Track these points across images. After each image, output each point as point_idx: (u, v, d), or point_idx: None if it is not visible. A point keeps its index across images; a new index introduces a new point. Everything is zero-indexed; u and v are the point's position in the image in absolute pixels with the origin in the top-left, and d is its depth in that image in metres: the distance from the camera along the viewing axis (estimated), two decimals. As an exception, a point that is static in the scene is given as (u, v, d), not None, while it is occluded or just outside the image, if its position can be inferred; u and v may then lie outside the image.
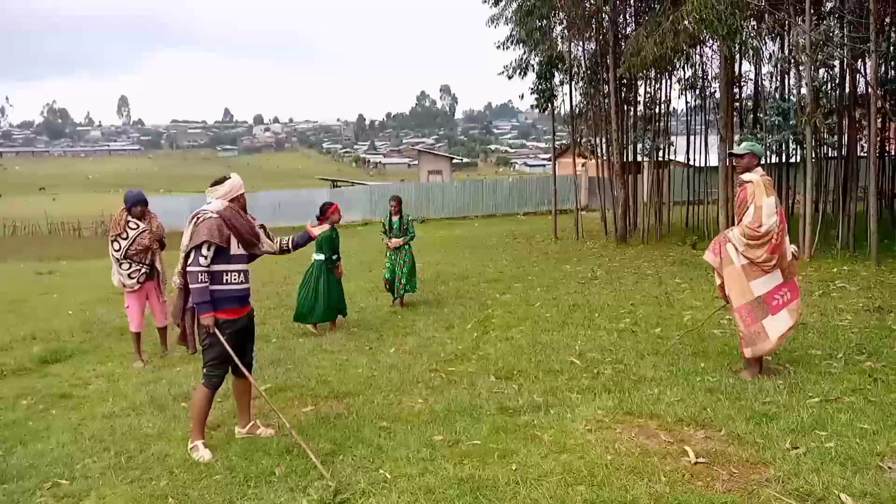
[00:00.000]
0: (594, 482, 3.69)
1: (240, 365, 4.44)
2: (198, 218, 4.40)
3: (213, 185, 4.55)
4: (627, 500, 3.47)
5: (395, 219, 9.38)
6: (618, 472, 3.80)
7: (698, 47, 15.59)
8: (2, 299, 12.00)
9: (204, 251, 4.30)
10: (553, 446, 4.23)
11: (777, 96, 14.62)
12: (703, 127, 18.55)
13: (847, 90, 14.09)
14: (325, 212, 7.53)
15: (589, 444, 4.23)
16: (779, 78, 15.45)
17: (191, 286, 4.35)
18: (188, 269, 4.34)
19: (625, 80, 16.93)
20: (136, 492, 3.98)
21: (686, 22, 11.20)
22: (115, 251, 6.85)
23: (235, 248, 4.44)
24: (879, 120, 13.73)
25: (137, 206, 6.87)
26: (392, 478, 3.89)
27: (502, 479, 3.79)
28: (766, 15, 12.60)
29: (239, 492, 3.88)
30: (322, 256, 8.04)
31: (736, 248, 5.35)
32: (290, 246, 4.90)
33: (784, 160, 15.55)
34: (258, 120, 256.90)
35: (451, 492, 3.66)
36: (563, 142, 27.37)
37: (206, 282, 4.31)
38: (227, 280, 4.40)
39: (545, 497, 3.54)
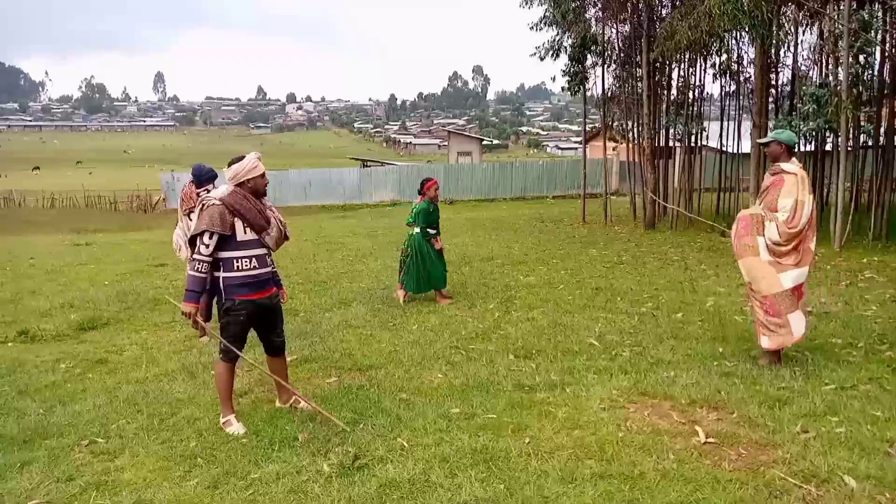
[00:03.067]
0: (604, 457, 3.81)
1: (241, 356, 4.45)
2: (203, 205, 4.37)
3: (229, 164, 4.49)
4: (635, 474, 3.58)
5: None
6: (628, 448, 3.91)
7: (734, 31, 15.34)
8: (41, 269, 12.43)
9: (205, 240, 4.25)
10: (566, 422, 4.35)
11: (814, 82, 14.33)
12: (737, 112, 18.27)
13: (886, 78, 13.78)
14: (423, 186, 8.27)
15: (601, 421, 4.34)
16: (816, 63, 15.15)
17: (188, 272, 4.36)
18: (193, 256, 4.34)
19: (658, 64, 16.73)
20: (166, 451, 4.20)
21: (716, 10, 11.04)
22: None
23: (243, 234, 4.34)
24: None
25: (210, 181, 6.78)
26: (409, 446, 4.05)
27: (515, 451, 3.92)
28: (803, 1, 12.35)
29: (264, 455, 4.07)
30: (417, 229, 8.29)
31: (766, 244, 5.25)
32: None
33: (819, 148, 15.28)
34: (291, 98, 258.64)
35: (464, 461, 3.81)
36: (595, 125, 27.16)
37: (203, 272, 4.27)
38: (238, 266, 4.35)
39: (555, 469, 3.67)
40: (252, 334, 4.72)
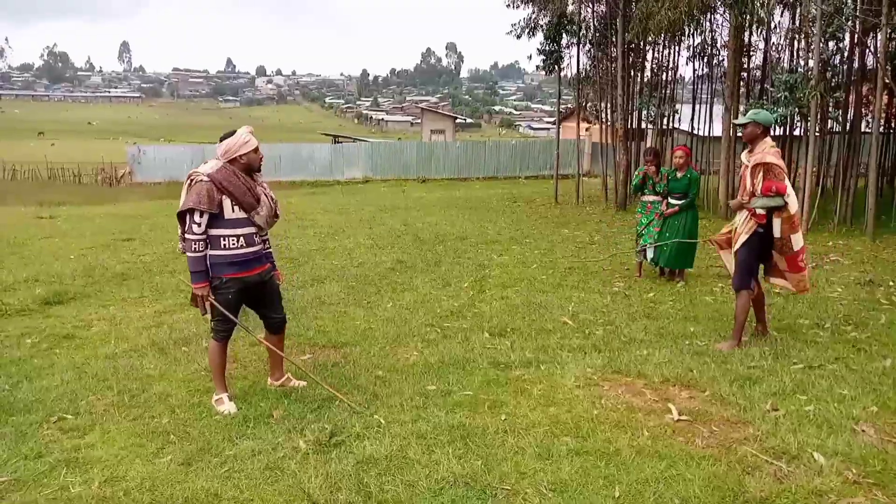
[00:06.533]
0: (579, 434, 3.84)
1: (240, 324, 4.41)
2: (191, 181, 4.19)
3: (220, 139, 4.33)
4: (610, 451, 3.62)
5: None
6: (602, 425, 3.95)
7: (709, 14, 15.41)
8: (4, 242, 12.09)
9: (196, 218, 4.11)
10: (542, 399, 4.38)
11: (785, 67, 14.49)
12: (710, 96, 18.42)
13: (855, 64, 14.00)
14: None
15: (576, 398, 4.39)
16: (788, 49, 15.30)
17: (186, 254, 4.23)
18: (185, 236, 4.20)
19: (633, 45, 16.76)
20: (138, 428, 4.13)
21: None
22: None
23: (231, 212, 4.18)
24: (886, 95, 13.67)
25: None
26: (386, 423, 4.04)
27: (491, 427, 3.94)
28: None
29: (238, 431, 4.03)
30: (683, 201, 7.99)
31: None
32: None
33: (788, 133, 15.49)
34: (261, 71, 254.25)
35: (441, 437, 3.82)
36: (569, 106, 27.19)
37: (200, 251, 4.16)
38: (224, 245, 4.21)
39: (532, 446, 3.70)
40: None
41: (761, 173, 5.26)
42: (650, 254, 8.19)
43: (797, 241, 5.34)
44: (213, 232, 4.20)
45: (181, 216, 4.23)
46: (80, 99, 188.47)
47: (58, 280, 8.52)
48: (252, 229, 4.32)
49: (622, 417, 4.07)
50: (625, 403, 4.30)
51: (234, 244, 4.24)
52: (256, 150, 4.32)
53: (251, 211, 4.27)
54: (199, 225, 4.13)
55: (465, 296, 7.48)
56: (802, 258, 5.37)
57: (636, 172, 8.49)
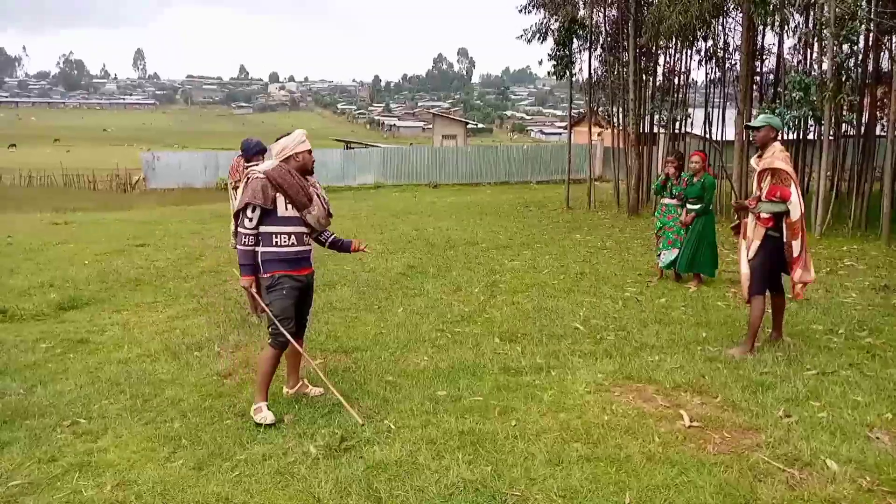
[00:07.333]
0: (590, 440, 3.83)
1: (282, 330, 4.29)
2: (248, 178, 4.35)
3: (277, 140, 4.42)
4: (621, 457, 3.60)
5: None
6: (613, 431, 3.94)
7: (721, 18, 15.35)
8: (19, 248, 12.21)
9: (249, 213, 4.22)
10: (552, 405, 4.37)
11: (798, 70, 14.40)
12: (722, 100, 18.34)
13: (870, 67, 13.89)
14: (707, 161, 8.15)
15: (587, 404, 4.37)
16: (801, 52, 15.22)
17: (237, 247, 4.34)
18: (238, 230, 4.32)
19: (645, 50, 16.71)
20: (150, 432, 4.16)
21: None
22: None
23: (284, 210, 4.26)
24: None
25: (258, 155, 6.48)
26: (396, 428, 4.05)
27: (501, 433, 3.94)
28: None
29: (249, 436, 4.05)
30: (699, 206, 7.99)
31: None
32: (326, 241, 4.65)
33: (801, 137, 15.40)
34: (273, 78, 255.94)
35: (451, 443, 3.82)
36: (580, 110, 27.14)
37: (250, 245, 4.26)
38: (276, 242, 4.28)
39: (542, 452, 3.69)
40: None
41: (769, 178, 5.24)
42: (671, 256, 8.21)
43: (795, 247, 5.28)
44: (266, 229, 4.29)
45: (237, 213, 4.34)
46: (95, 106, 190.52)
47: (72, 285, 8.60)
48: (303, 228, 4.39)
49: (633, 423, 4.05)
50: (636, 409, 4.28)
51: (285, 241, 4.32)
52: (310, 151, 4.43)
53: (303, 209, 4.34)
54: (252, 220, 4.25)
55: (476, 301, 7.48)
56: (800, 265, 5.30)
57: (659, 173, 8.49)
